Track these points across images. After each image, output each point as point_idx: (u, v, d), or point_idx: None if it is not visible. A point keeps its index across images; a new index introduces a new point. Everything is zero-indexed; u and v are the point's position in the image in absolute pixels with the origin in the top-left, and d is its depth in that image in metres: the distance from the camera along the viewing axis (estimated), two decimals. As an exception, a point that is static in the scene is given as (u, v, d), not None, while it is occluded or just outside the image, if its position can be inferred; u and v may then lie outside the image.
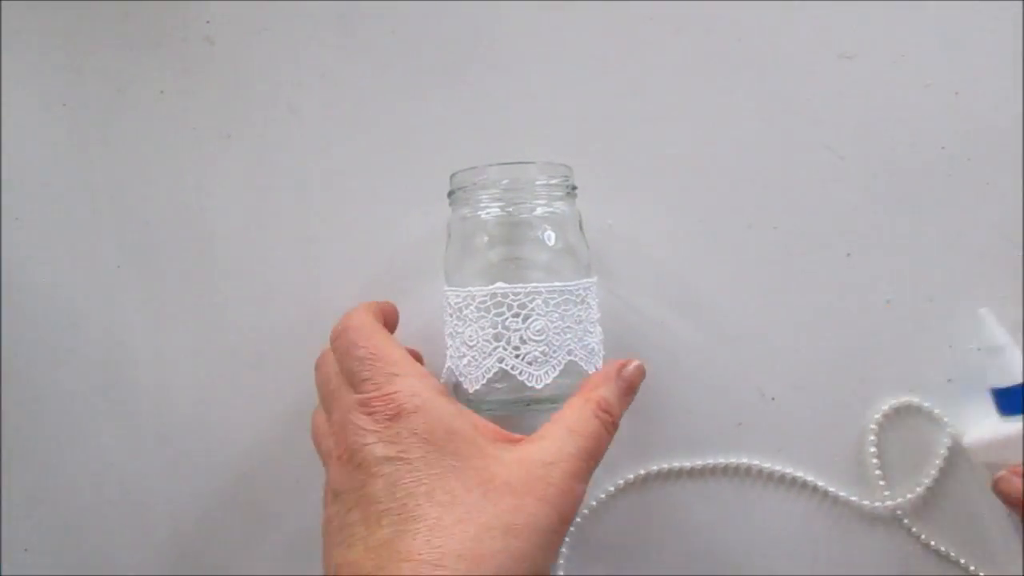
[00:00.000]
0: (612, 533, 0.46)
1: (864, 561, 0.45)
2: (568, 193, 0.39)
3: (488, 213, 0.39)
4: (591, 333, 0.39)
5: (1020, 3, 0.42)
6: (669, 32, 0.43)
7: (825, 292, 0.44)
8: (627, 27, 0.43)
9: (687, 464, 0.45)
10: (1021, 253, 0.43)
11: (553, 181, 0.39)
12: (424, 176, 0.44)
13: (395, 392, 0.33)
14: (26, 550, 0.48)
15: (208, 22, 0.44)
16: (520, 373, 0.36)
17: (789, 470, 0.44)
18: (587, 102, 0.44)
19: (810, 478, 0.44)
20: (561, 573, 0.45)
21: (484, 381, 0.37)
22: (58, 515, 0.48)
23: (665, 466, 0.45)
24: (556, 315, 0.37)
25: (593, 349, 0.39)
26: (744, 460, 0.45)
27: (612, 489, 0.45)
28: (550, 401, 0.38)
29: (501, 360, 0.36)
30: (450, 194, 0.40)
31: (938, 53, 0.43)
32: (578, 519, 0.46)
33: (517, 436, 0.34)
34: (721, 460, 0.45)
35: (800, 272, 0.44)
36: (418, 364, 0.36)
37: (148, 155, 0.46)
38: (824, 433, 0.44)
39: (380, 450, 0.31)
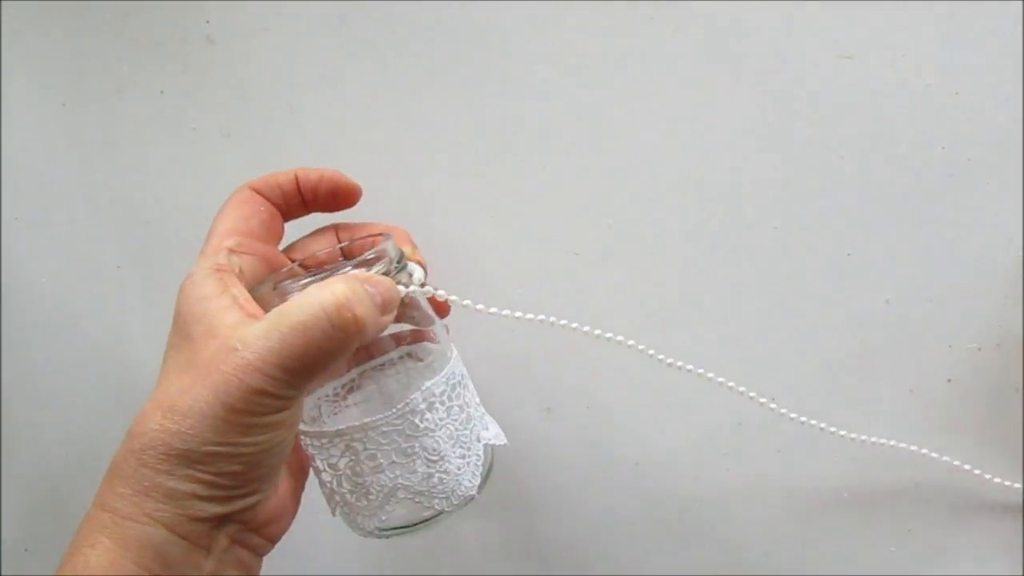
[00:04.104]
0: (613, 530, 0.46)
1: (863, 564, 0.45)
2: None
3: None
4: (480, 411, 0.35)
5: (1020, 3, 0.42)
6: (669, 32, 0.43)
7: (825, 292, 0.44)
8: (627, 27, 0.43)
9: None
10: (1021, 253, 0.43)
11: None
12: (424, 176, 0.44)
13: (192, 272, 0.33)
14: (26, 550, 0.48)
15: (208, 22, 0.44)
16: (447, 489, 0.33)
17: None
18: (587, 102, 0.44)
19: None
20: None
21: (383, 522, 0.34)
22: (58, 515, 0.48)
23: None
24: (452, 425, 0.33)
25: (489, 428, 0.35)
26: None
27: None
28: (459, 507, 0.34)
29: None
30: None
31: (938, 53, 0.43)
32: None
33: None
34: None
35: (800, 272, 0.44)
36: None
37: (148, 155, 0.46)
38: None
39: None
